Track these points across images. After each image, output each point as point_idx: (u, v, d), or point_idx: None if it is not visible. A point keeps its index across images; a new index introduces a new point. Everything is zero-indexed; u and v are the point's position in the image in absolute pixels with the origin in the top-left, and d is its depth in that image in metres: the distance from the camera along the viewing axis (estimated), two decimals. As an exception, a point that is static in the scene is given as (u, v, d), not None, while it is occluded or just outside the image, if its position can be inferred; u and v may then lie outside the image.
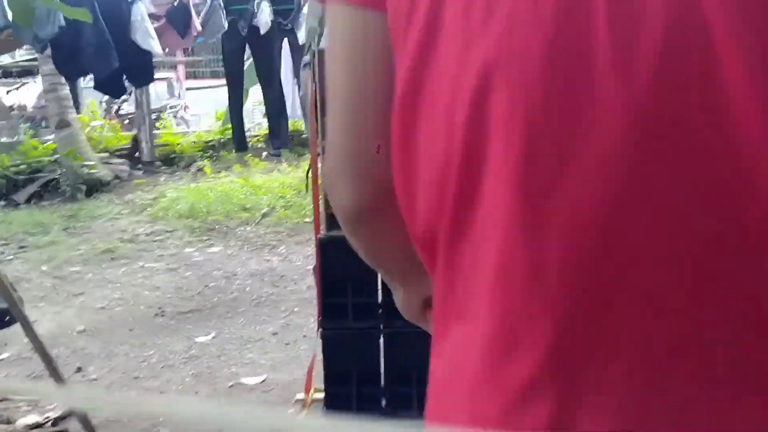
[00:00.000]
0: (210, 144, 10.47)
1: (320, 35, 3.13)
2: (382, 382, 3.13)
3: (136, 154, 9.94)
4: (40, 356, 3.27)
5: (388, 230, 0.78)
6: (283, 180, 9.21)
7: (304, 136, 9.32)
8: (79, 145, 9.14)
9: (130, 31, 4.32)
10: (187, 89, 13.72)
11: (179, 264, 6.46)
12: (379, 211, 0.77)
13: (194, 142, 10.47)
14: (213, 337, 4.64)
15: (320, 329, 3.17)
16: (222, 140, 10.47)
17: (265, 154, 10.32)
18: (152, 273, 6.23)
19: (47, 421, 3.40)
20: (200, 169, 9.89)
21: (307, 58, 3.13)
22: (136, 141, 9.97)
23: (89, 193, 8.90)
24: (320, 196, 3.15)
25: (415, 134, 0.66)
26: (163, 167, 9.95)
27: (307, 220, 7.76)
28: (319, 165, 3.09)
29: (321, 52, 2.99)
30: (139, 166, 9.81)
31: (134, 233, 7.49)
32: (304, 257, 6.65)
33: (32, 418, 3.45)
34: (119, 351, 4.46)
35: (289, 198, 8.44)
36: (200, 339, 4.62)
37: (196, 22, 4.55)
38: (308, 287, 5.70)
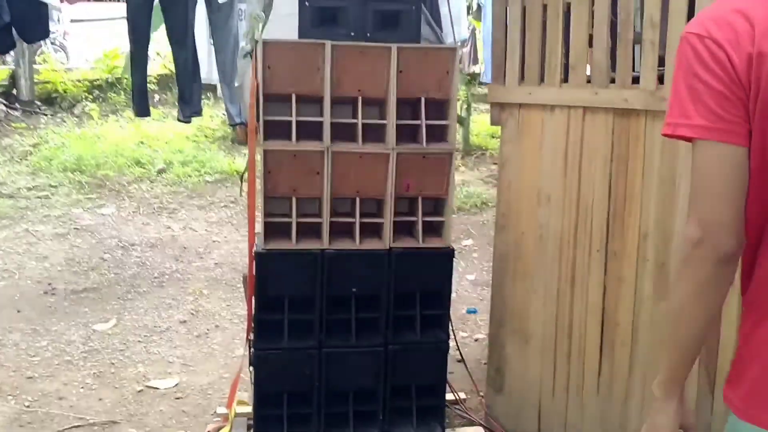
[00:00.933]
0: (96, 84, 9.66)
1: (264, 23, 2.77)
2: (317, 401, 2.92)
3: (13, 91, 9.00)
4: None
5: (729, 278, 1.22)
6: (179, 131, 8.62)
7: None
8: (-54, 79, 8.16)
9: (23, -21, 3.73)
10: (72, 21, 12.55)
11: (68, 228, 5.91)
12: (735, 259, 1.21)
13: (78, 81, 9.61)
14: (114, 326, 4.24)
15: (252, 349, 2.90)
16: (110, 80, 9.69)
17: (158, 98, 9.65)
18: (38, 238, 5.66)
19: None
20: (85, 112, 9.12)
21: (247, 46, 2.76)
22: (13, 77, 9.02)
23: (-41, 135, 8.02)
24: (258, 202, 2.82)
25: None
26: (44, 108, 9.09)
27: (209, 179, 7.32)
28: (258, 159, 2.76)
29: (264, 43, 2.64)
30: (17, 105, 8.90)
31: (15, 187, 6.79)
32: (208, 224, 6.26)
33: None
34: (8, 340, 4.00)
35: (187, 153, 7.91)
36: (99, 327, 4.22)
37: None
38: (216, 264, 5.37)
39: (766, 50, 1.14)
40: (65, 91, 9.33)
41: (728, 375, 1.32)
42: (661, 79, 2.33)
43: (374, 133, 2.80)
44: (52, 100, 9.21)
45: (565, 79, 2.65)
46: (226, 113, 5.24)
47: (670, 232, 2.33)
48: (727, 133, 1.17)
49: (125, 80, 9.47)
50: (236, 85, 3.08)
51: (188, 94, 4.61)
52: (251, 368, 3.01)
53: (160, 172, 7.38)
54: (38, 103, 9.08)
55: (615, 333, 2.56)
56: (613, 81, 2.49)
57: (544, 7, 2.68)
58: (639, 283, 2.48)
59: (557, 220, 2.71)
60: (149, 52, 4.84)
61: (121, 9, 6.40)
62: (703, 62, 1.18)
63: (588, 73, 2.61)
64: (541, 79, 2.73)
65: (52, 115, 8.95)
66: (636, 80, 2.41)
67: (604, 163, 2.52)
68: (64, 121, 8.82)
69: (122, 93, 9.40)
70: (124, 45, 10.21)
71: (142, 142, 8.17)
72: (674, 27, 2.26)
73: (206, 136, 8.63)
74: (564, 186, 2.67)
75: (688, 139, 1.21)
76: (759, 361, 1.23)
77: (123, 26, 9.46)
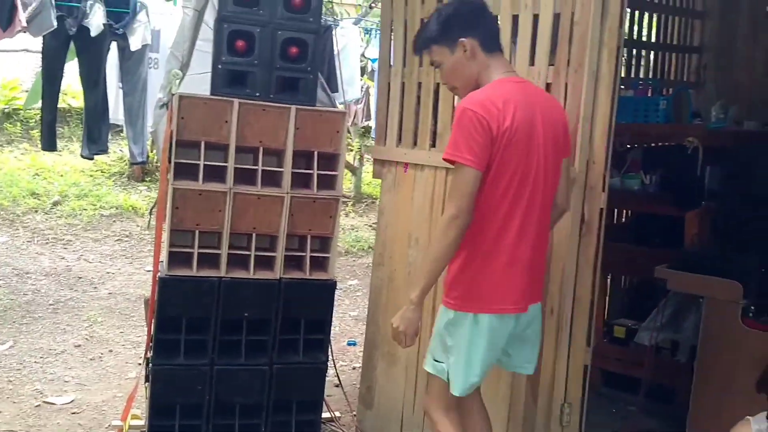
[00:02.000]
0: (-10, 113, 9.62)
1: (181, 80, 3.19)
2: (206, 414, 3.26)
3: None
4: None
5: (463, 238, 2.29)
6: (74, 163, 8.74)
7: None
8: None
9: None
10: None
11: (-40, 254, 5.98)
12: (468, 228, 2.27)
13: (-28, 109, 9.55)
14: (10, 347, 4.42)
15: (149, 365, 3.23)
16: (6, 111, 9.67)
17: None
18: (-71, 263, 5.71)
19: None
20: (-23, 140, 9.08)
21: (165, 98, 3.16)
22: None
23: None
24: (164, 233, 3.19)
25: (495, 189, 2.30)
26: (-66, 133, 8.99)
27: (104, 213, 7.50)
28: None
29: (180, 97, 3.06)
30: None
31: None
32: (102, 256, 6.46)
33: None
34: None
35: (83, 186, 8.05)
36: (-5, 348, 4.39)
37: (22, 17, 4.26)
38: (110, 293, 5.59)
39: (502, 125, 2.23)
40: (-43, 119, 9.26)
41: (458, 297, 2.35)
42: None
43: (272, 179, 3.24)
44: (-58, 127, 9.12)
45: (434, 144, 3.21)
46: (129, 152, 5.55)
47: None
48: (476, 164, 2.22)
49: (22, 112, 9.52)
50: (151, 131, 3.45)
51: (96, 134, 4.92)
52: (147, 384, 3.34)
53: (56, 204, 7.50)
54: (-72, 128, 8.97)
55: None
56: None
57: (419, 84, 3.25)
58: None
59: (422, 260, 3.24)
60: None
61: (22, 42, 6.55)
62: (475, 126, 2.21)
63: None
64: (415, 143, 3.29)
65: (-58, 141, 8.87)
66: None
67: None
68: (-44, 148, 8.76)
69: (18, 124, 9.42)
70: (24, 77, 10.27)
71: (37, 174, 8.24)
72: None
73: (102, 172, 8.77)
74: (429, 231, 3.20)
75: (456, 163, 2.23)
76: (490, 276, 2.32)
77: (22, 59, 9.46)
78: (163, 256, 3.22)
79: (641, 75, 4.87)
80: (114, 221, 7.38)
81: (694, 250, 3.57)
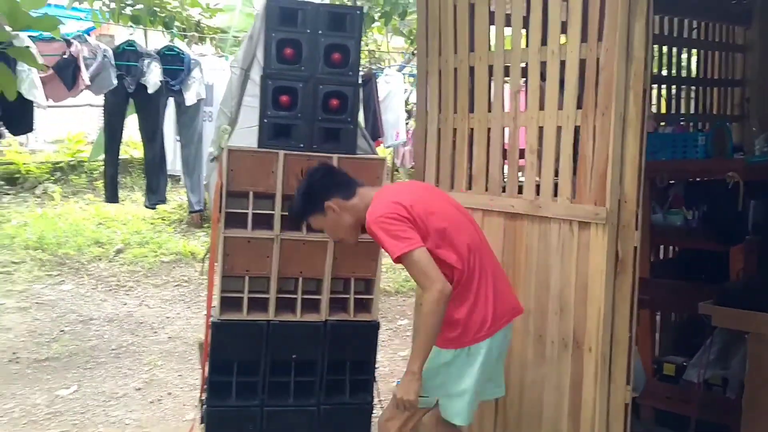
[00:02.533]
0: (58, 166, 10.12)
1: (230, 135, 3.38)
2: (259, 454, 3.37)
3: (-23, 171, 9.40)
4: None
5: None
6: (136, 212, 9.11)
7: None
8: None
9: (17, 82, 4.30)
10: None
11: (30, 302, 6.29)
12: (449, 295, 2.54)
13: (42, 163, 10.07)
14: (75, 391, 4.63)
15: (204, 407, 3.37)
16: (72, 163, 10.16)
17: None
18: (1, 312, 6.02)
19: None
20: (46, 192, 9.54)
21: (215, 152, 3.36)
22: (-23, 158, 9.44)
23: (-77, 212, 8.34)
24: (216, 281, 3.34)
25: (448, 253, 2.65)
26: (6, 187, 9.49)
27: (165, 259, 7.77)
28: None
29: (229, 151, 3.25)
30: (-21, 185, 9.29)
31: (-22, 263, 7.15)
32: (162, 302, 6.70)
33: None
34: (-26, 403, 4.36)
35: (144, 234, 8.37)
36: (61, 392, 4.61)
37: (85, 76, 4.58)
38: (170, 338, 5.79)
39: (410, 208, 2.56)
40: (28, 172, 9.77)
41: (452, 340, 2.61)
42: (537, 191, 3.01)
43: (316, 225, 3.38)
44: (14, 180, 9.63)
45: (470, 187, 3.31)
46: (187, 200, 5.81)
47: (545, 310, 2.95)
48: (418, 243, 2.50)
49: (87, 164, 10.01)
50: (204, 183, 3.65)
51: (155, 185, 5.19)
52: (202, 426, 3.48)
53: (118, 251, 7.81)
54: (1, 182, 9.48)
55: (506, 394, 3.12)
56: (504, 190, 3.15)
57: (454, 130, 3.36)
58: (522, 351, 3.08)
59: (463, 300, 3.31)
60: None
61: (86, 98, 6.96)
62: (393, 223, 2.53)
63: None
64: (452, 186, 3.39)
65: (14, 195, 9.36)
66: (521, 190, 3.08)
67: (497, 253, 3.14)
68: (26, 201, 9.22)
69: (83, 176, 9.88)
70: (89, 130, 10.81)
71: (101, 223, 8.61)
72: (547, 152, 2.95)
73: (163, 219, 9.11)
74: (468, 272, 3.29)
75: (404, 255, 2.48)
76: (471, 319, 2.61)
77: (86, 113, 9.92)
78: (216, 301, 3.38)
79: (682, 110, 4.89)
80: (174, 267, 7.65)
81: (737, 285, 3.56)
